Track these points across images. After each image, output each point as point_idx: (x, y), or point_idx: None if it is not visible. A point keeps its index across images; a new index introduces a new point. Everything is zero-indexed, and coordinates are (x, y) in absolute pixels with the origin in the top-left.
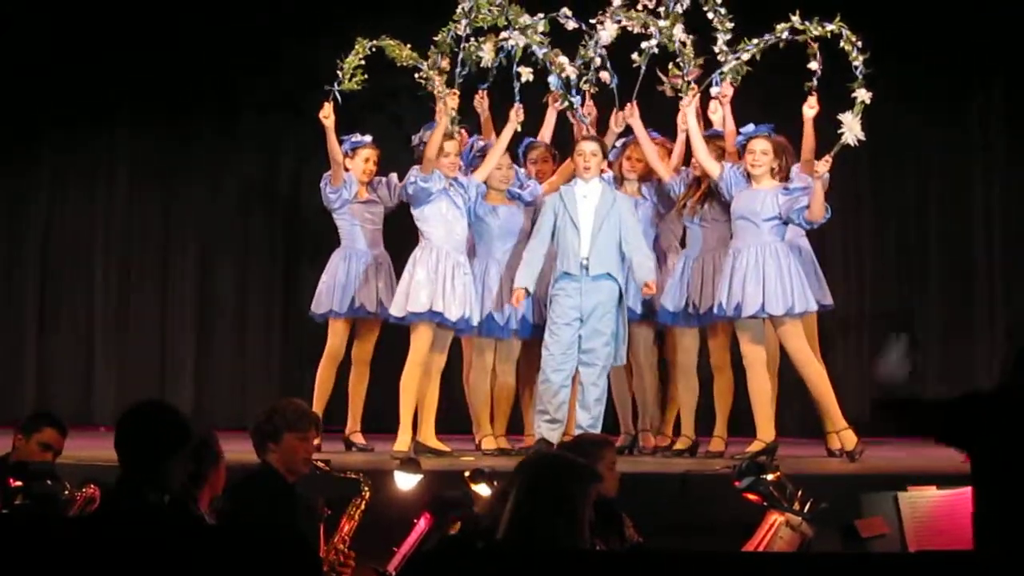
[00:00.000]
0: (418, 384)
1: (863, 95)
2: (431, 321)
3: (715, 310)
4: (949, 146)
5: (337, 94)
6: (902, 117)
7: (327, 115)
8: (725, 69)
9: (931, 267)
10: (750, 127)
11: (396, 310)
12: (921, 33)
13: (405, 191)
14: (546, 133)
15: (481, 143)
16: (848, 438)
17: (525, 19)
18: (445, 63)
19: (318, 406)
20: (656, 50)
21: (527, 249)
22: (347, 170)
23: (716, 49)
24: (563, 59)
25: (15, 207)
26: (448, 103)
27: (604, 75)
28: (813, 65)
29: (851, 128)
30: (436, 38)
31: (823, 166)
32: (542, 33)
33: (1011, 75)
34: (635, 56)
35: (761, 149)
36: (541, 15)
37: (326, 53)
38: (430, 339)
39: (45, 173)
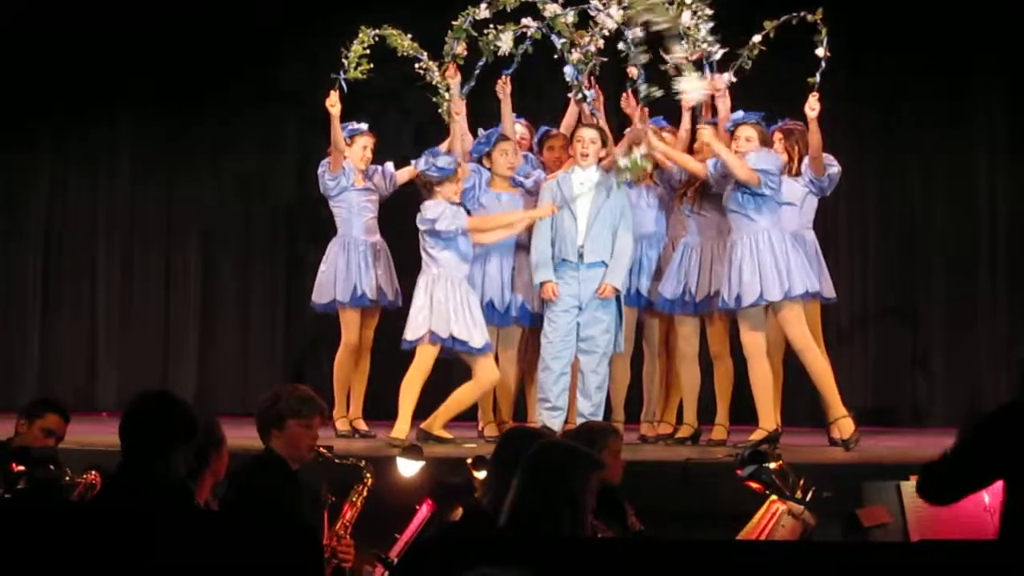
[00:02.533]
0: (420, 388)
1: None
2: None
3: (719, 304)
4: (953, 142)
5: (343, 83)
6: (906, 113)
7: (333, 103)
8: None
9: (935, 263)
10: (739, 114)
11: (413, 334)
12: (924, 29)
13: (431, 228)
14: (568, 123)
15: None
16: (845, 426)
17: (554, 8)
18: (461, 48)
19: (339, 399)
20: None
21: (534, 240)
22: (345, 157)
23: (701, 39)
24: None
25: (18, 195)
26: (456, 118)
27: (632, 70)
28: (820, 51)
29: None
30: (454, 22)
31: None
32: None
33: (1015, 70)
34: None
35: (746, 136)
36: (569, 8)
37: (329, 45)
38: (435, 357)
39: (47, 161)
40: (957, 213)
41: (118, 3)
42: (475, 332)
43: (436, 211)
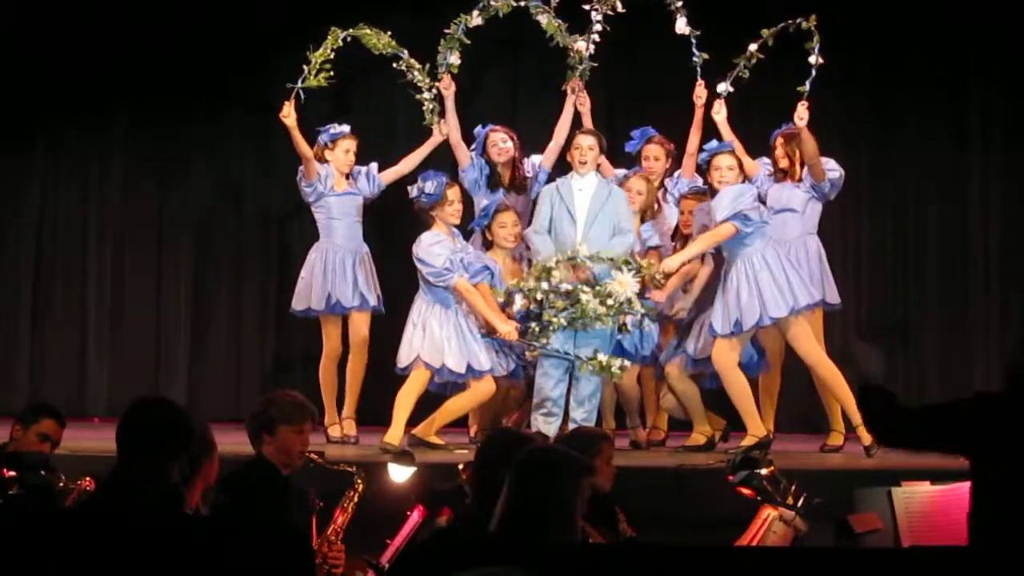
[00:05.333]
0: (415, 400)
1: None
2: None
3: (709, 332)
4: (946, 152)
5: (300, 91)
6: (899, 122)
7: (287, 115)
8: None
9: (928, 271)
10: (713, 143)
11: (405, 360)
12: (919, 37)
13: (426, 264)
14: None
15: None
16: (865, 433)
17: (547, 17)
18: (455, 58)
19: (329, 406)
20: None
21: (535, 243)
22: (327, 162)
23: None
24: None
25: (9, 199)
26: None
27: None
28: (812, 59)
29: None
30: (447, 31)
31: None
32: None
33: (1008, 81)
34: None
35: (727, 165)
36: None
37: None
38: (428, 379)
39: (39, 165)
40: (950, 222)
41: (113, 6)
42: (473, 359)
43: (431, 255)
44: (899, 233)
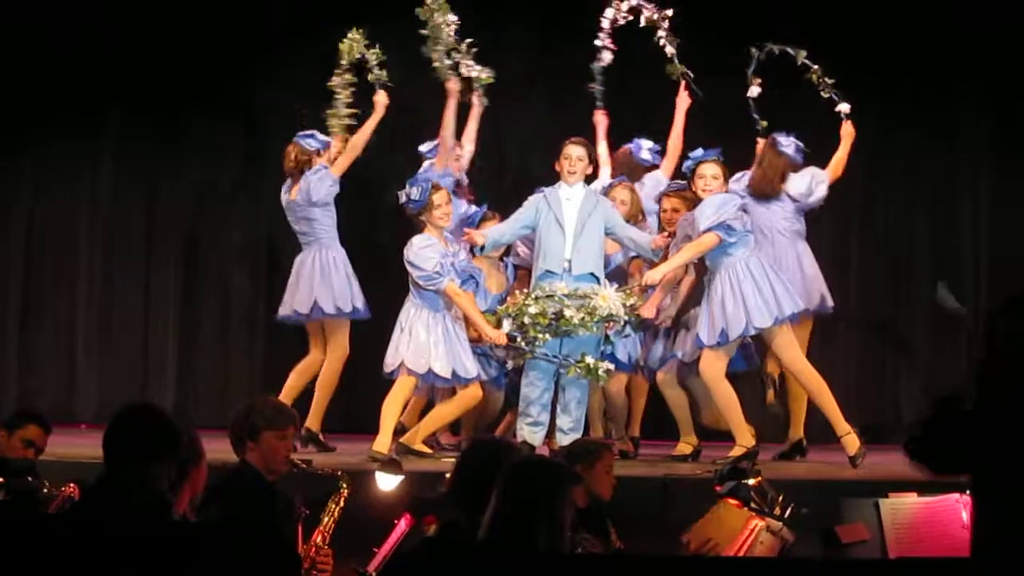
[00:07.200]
0: (402, 407)
1: None
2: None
3: (696, 343)
4: (940, 152)
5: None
6: (890, 124)
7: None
8: None
9: (917, 274)
10: (698, 151)
11: (391, 364)
12: (916, 43)
13: (416, 268)
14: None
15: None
16: (850, 443)
17: None
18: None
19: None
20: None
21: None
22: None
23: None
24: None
25: None
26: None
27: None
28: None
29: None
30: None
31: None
32: None
33: (1004, 82)
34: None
35: (712, 174)
36: None
37: (317, 53)
38: (414, 385)
39: (29, 168)
40: (942, 223)
41: (105, 9)
42: (459, 365)
43: (421, 259)
44: (890, 234)
